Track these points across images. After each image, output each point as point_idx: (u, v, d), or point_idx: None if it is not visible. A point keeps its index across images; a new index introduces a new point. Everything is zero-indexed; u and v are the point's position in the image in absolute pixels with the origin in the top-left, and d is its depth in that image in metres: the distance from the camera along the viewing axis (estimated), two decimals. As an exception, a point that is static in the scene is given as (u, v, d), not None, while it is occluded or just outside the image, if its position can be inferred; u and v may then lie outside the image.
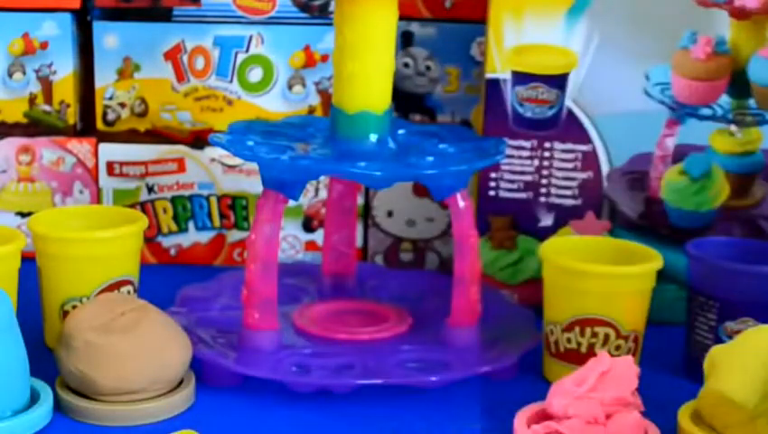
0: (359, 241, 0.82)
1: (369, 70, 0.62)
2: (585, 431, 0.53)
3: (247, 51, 0.81)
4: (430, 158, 0.62)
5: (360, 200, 0.81)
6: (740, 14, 0.70)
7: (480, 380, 0.63)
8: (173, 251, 0.83)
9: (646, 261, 0.64)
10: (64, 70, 0.82)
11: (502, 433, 0.56)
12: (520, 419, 0.55)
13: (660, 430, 0.54)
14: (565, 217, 0.75)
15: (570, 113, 0.73)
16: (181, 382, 0.60)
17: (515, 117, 0.74)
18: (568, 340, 0.63)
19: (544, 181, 0.75)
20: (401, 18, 0.64)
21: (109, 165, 0.82)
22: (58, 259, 0.65)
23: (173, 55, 0.82)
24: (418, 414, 0.60)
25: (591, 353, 0.62)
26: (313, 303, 0.71)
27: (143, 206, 0.82)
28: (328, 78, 0.81)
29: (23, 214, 0.82)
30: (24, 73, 0.82)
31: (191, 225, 0.83)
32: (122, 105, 0.82)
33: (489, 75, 0.74)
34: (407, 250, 0.84)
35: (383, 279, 0.76)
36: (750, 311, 0.63)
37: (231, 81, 0.82)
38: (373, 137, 0.63)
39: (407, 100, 0.84)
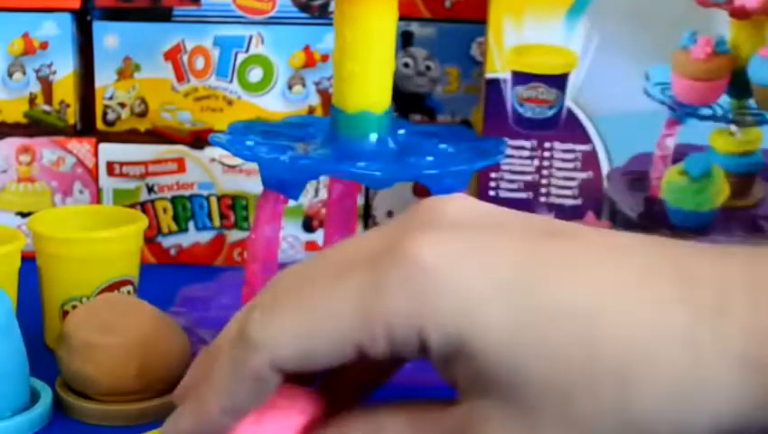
0: (359, 241, 0.82)
1: (369, 70, 0.62)
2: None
3: (247, 51, 0.81)
4: (430, 158, 0.62)
5: (360, 200, 0.81)
6: (740, 13, 0.70)
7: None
8: (173, 251, 0.83)
9: (646, 261, 0.64)
10: (64, 70, 0.82)
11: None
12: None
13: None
14: (565, 217, 0.75)
15: (570, 113, 0.74)
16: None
17: (515, 118, 0.74)
18: (568, 340, 0.63)
19: (544, 181, 0.75)
20: (401, 18, 0.64)
21: (109, 165, 0.82)
22: (58, 259, 0.65)
23: (173, 55, 0.82)
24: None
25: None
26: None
27: (143, 206, 0.82)
28: (328, 78, 0.81)
29: (23, 214, 0.82)
30: (24, 73, 0.82)
31: (191, 225, 0.83)
32: (122, 105, 0.83)
33: (489, 75, 0.74)
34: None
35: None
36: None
37: (231, 81, 0.82)
38: (373, 137, 0.63)
39: (407, 100, 0.84)
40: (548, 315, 0.34)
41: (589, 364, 0.33)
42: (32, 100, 0.82)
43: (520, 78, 0.74)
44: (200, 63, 0.82)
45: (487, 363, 0.34)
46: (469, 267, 0.34)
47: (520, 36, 0.73)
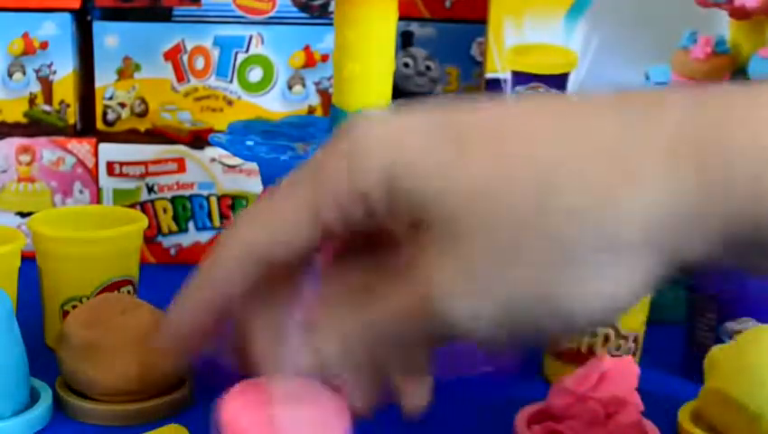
0: (359, 241, 0.82)
1: (369, 70, 0.62)
2: (585, 431, 0.53)
3: (247, 51, 0.81)
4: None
5: (360, 200, 0.81)
6: (740, 13, 0.70)
7: (480, 379, 0.63)
8: (173, 251, 0.83)
9: (646, 261, 0.64)
10: (64, 70, 0.82)
11: (502, 433, 0.56)
12: (520, 419, 0.55)
13: (660, 430, 0.54)
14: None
15: (570, 113, 0.74)
16: (180, 382, 0.60)
17: (515, 117, 0.74)
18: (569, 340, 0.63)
19: (544, 181, 0.75)
20: (401, 18, 0.64)
21: (109, 165, 0.82)
22: (58, 259, 0.65)
23: (173, 55, 0.82)
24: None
25: (591, 353, 0.62)
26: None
27: (143, 206, 0.82)
28: (328, 78, 0.81)
29: (23, 214, 0.82)
30: (24, 73, 0.82)
31: (191, 225, 0.83)
32: (122, 105, 0.83)
33: (489, 75, 0.74)
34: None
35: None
36: (750, 311, 0.63)
37: (231, 81, 0.82)
38: (373, 137, 0.63)
39: (407, 100, 0.84)
40: (464, 135, 0.35)
41: (506, 169, 0.34)
42: (32, 100, 0.82)
43: (520, 78, 0.74)
44: (200, 63, 0.82)
45: (417, 188, 0.35)
46: (397, 121, 0.37)
47: (520, 36, 0.73)
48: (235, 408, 0.40)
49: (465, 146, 0.35)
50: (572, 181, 0.33)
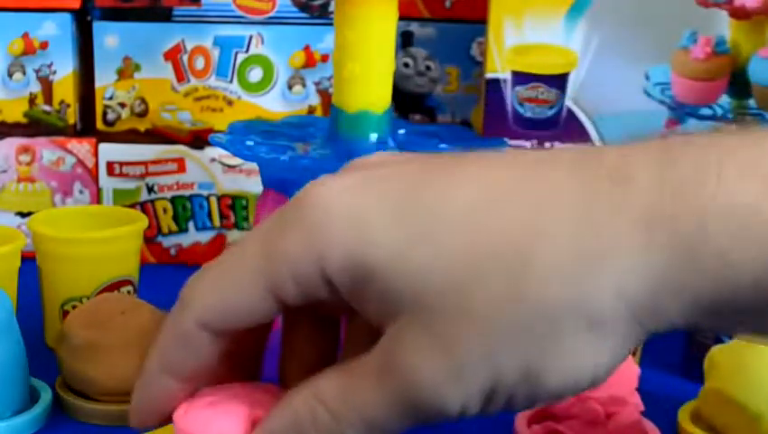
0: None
1: (369, 69, 0.62)
2: (585, 431, 0.53)
3: (247, 51, 0.81)
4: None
5: (360, 200, 0.81)
6: (740, 14, 0.70)
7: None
8: (173, 251, 0.83)
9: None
10: (64, 70, 0.82)
11: (502, 433, 0.56)
12: (520, 419, 0.55)
13: (660, 430, 0.54)
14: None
15: (570, 113, 0.74)
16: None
17: (515, 118, 0.74)
18: (568, 340, 0.63)
19: (544, 181, 0.75)
20: (401, 18, 0.64)
21: (109, 165, 0.82)
22: (58, 259, 0.65)
23: (173, 55, 0.82)
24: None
25: (591, 353, 0.62)
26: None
27: (143, 206, 0.82)
28: (328, 78, 0.81)
29: (23, 214, 0.82)
30: (24, 73, 0.82)
31: (191, 225, 0.83)
32: (122, 105, 0.82)
33: (489, 75, 0.74)
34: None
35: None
36: (750, 311, 0.63)
37: (231, 81, 0.82)
38: (373, 137, 0.63)
39: (407, 100, 0.84)
40: (432, 216, 0.34)
41: (475, 255, 0.33)
42: (32, 100, 0.82)
43: (520, 78, 0.74)
44: (200, 63, 0.82)
45: (386, 278, 0.34)
46: (360, 195, 0.35)
47: (520, 36, 0.73)
48: (185, 413, 0.40)
49: (436, 231, 0.33)
50: (546, 262, 0.32)
